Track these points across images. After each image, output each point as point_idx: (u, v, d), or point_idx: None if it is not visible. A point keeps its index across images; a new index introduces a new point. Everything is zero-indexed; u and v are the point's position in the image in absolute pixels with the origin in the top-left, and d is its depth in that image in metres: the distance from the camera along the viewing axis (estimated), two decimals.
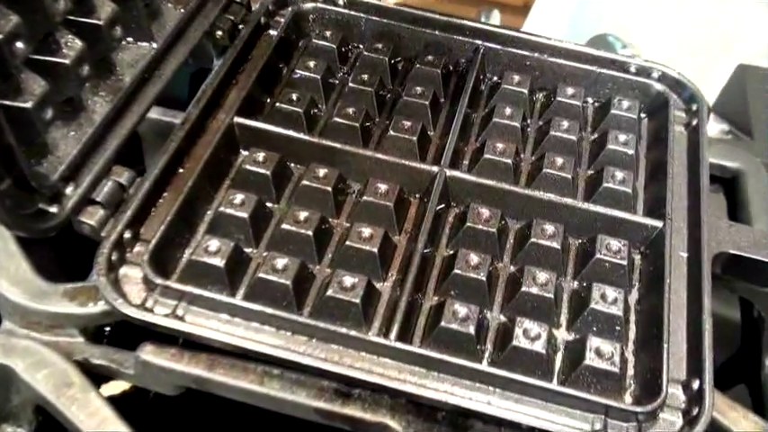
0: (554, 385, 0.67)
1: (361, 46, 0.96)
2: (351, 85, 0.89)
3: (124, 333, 0.72)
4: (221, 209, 0.75)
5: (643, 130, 0.91)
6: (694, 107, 0.90)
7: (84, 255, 0.75)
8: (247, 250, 0.74)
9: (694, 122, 0.89)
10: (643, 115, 0.92)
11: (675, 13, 1.42)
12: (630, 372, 0.70)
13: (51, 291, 0.71)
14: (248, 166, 0.78)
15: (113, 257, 0.69)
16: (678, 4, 1.42)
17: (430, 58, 0.93)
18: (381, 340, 0.66)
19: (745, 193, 0.94)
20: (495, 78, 0.94)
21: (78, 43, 0.70)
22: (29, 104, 0.64)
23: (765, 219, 0.90)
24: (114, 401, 0.68)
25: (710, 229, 0.78)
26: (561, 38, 0.97)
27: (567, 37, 1.34)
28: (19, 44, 0.63)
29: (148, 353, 0.68)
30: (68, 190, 0.70)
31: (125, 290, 0.69)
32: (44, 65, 0.67)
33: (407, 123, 0.84)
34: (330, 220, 0.77)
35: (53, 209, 0.69)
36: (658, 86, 0.92)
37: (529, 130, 0.90)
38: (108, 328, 0.75)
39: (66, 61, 0.69)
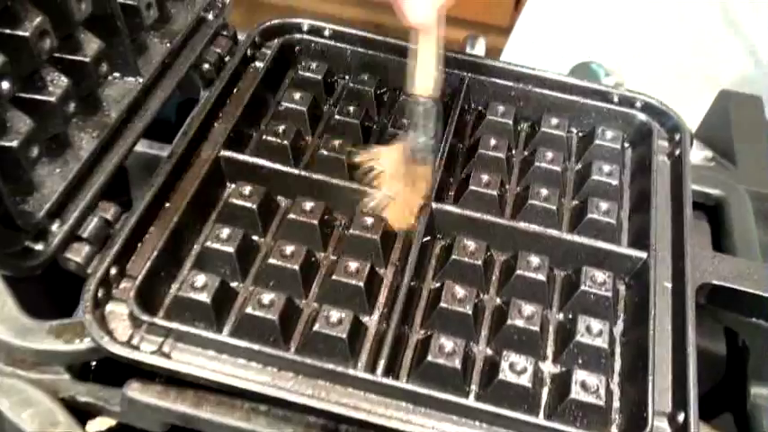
0: (540, 420, 0.67)
1: (347, 77, 0.96)
2: (337, 116, 0.89)
3: (110, 369, 0.72)
4: (207, 243, 0.75)
5: (627, 160, 0.92)
6: (677, 137, 0.91)
7: (70, 291, 0.75)
8: (234, 285, 0.74)
9: (677, 152, 0.90)
10: (627, 145, 0.93)
11: (658, 38, 1.44)
12: (616, 405, 0.70)
13: (37, 328, 0.71)
14: (234, 200, 0.79)
15: (99, 294, 0.69)
16: (660, 29, 1.43)
17: None
18: (368, 376, 0.66)
19: (729, 220, 0.94)
20: (480, 109, 0.95)
21: (64, 80, 0.70)
22: (14, 143, 0.64)
23: (749, 246, 0.91)
24: None
25: (694, 259, 0.78)
26: (542, 63, 0.98)
27: (549, 62, 1.35)
28: (5, 83, 0.63)
29: (135, 390, 0.67)
30: (54, 227, 0.70)
31: (111, 327, 0.69)
32: (30, 103, 0.67)
33: None
34: (317, 253, 0.78)
35: (39, 246, 0.69)
36: (641, 116, 0.93)
37: (514, 160, 0.90)
38: (94, 364, 0.75)
39: (53, 99, 0.69)
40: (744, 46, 1.38)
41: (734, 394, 0.84)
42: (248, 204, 0.78)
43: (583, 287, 0.75)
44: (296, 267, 0.73)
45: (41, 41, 0.67)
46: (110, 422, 0.75)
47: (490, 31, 2.78)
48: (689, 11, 1.36)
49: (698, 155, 1.12)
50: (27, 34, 0.65)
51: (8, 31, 0.65)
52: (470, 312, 0.72)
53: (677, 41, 1.42)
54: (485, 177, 0.84)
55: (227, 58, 0.94)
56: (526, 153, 0.91)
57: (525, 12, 1.51)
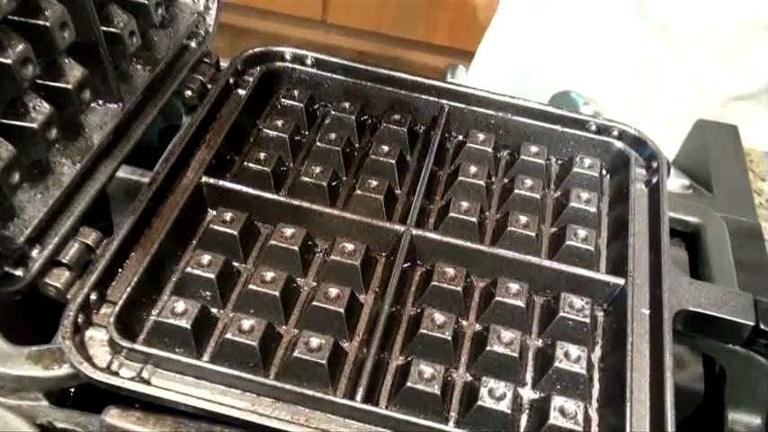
0: None
1: (329, 105, 0.97)
2: (318, 144, 0.90)
3: (89, 395, 0.72)
4: (188, 269, 0.75)
5: (605, 188, 0.93)
6: (654, 165, 0.92)
7: (47, 316, 0.75)
8: (214, 311, 0.75)
9: (655, 180, 0.91)
10: (605, 173, 0.94)
11: (631, 66, 1.45)
12: (594, 430, 0.71)
13: (15, 354, 0.70)
14: (216, 226, 0.79)
15: (79, 320, 0.69)
16: (633, 57, 1.45)
17: (396, 116, 0.94)
18: (347, 402, 0.67)
19: (706, 247, 0.95)
20: (461, 137, 0.96)
21: (47, 107, 0.70)
22: None
23: (725, 273, 0.92)
24: None
25: (671, 286, 0.79)
26: (505, 88, 0.99)
27: (513, 87, 1.36)
28: None
29: (113, 416, 0.67)
30: (34, 252, 0.70)
31: (90, 353, 0.68)
32: (12, 129, 0.68)
33: (374, 182, 0.85)
34: (297, 279, 0.78)
35: (18, 272, 0.69)
36: (619, 144, 0.94)
37: (493, 187, 0.91)
38: (73, 390, 0.74)
39: (35, 125, 0.69)
40: (687, 75, 1.40)
41: (711, 421, 0.84)
42: (229, 230, 0.79)
43: (561, 313, 0.76)
44: (276, 293, 0.74)
45: (24, 68, 0.67)
46: None
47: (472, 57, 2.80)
48: (635, 37, 1.37)
49: (675, 183, 1.13)
50: (9, 62, 0.65)
51: None
52: (450, 338, 0.73)
53: (652, 70, 1.44)
54: (465, 204, 0.85)
55: (209, 86, 0.94)
56: (506, 180, 0.92)
57: (487, 37, 1.53)
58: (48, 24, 0.70)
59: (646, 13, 1.32)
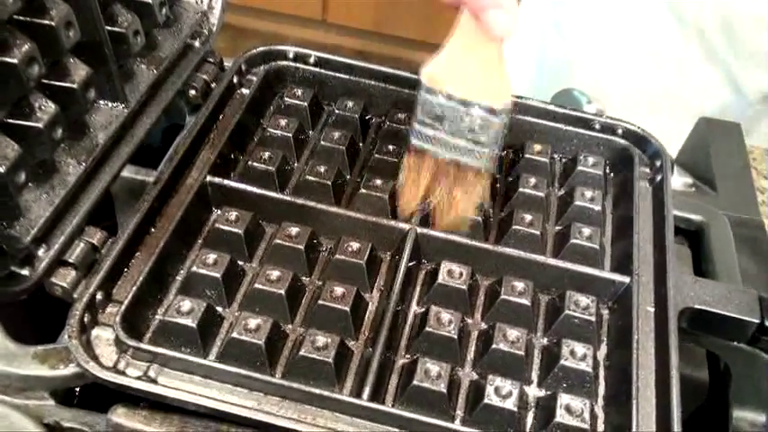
0: None
1: (333, 104, 0.97)
2: (322, 143, 0.90)
3: (95, 394, 0.72)
4: (194, 268, 0.75)
5: (609, 186, 0.93)
6: (658, 163, 0.92)
7: (50, 315, 0.75)
8: (220, 310, 0.75)
9: (658, 178, 0.91)
10: (609, 171, 0.94)
11: (637, 65, 1.46)
12: (600, 428, 0.71)
13: (21, 353, 0.71)
14: (221, 226, 0.79)
15: (85, 319, 0.69)
16: (639, 57, 1.45)
17: (400, 115, 0.94)
18: (354, 400, 0.67)
19: (710, 245, 0.96)
20: None
21: (52, 107, 0.70)
22: (2, 169, 0.64)
23: (729, 271, 0.92)
24: None
25: (676, 284, 0.79)
26: (527, 89, 0.99)
27: (534, 88, 1.36)
28: None
29: (120, 415, 0.67)
30: (40, 252, 0.70)
31: (97, 352, 0.69)
32: (17, 129, 0.68)
33: (378, 181, 0.85)
34: (302, 278, 0.78)
35: (25, 271, 0.69)
36: (622, 143, 0.94)
37: (498, 186, 0.91)
38: (78, 390, 0.74)
39: (40, 125, 0.69)
40: (723, 75, 1.40)
41: (716, 418, 0.84)
42: (235, 230, 0.79)
43: (567, 311, 0.76)
44: (282, 292, 0.74)
45: (30, 68, 0.67)
46: None
47: None
48: (668, 39, 1.38)
49: (678, 181, 1.13)
50: (15, 61, 0.65)
51: None
52: (456, 336, 0.73)
53: (657, 69, 1.44)
54: None
55: (213, 85, 0.94)
56: (510, 179, 0.92)
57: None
58: (53, 24, 0.70)
59: (682, 17, 1.33)
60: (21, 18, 0.68)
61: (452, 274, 0.78)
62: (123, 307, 0.70)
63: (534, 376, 0.74)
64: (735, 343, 0.81)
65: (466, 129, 0.75)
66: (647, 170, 0.93)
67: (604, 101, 1.06)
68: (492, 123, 0.76)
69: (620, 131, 0.94)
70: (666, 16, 1.35)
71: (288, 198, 0.83)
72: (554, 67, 1.49)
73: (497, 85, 0.76)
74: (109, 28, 0.79)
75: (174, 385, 0.67)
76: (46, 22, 0.70)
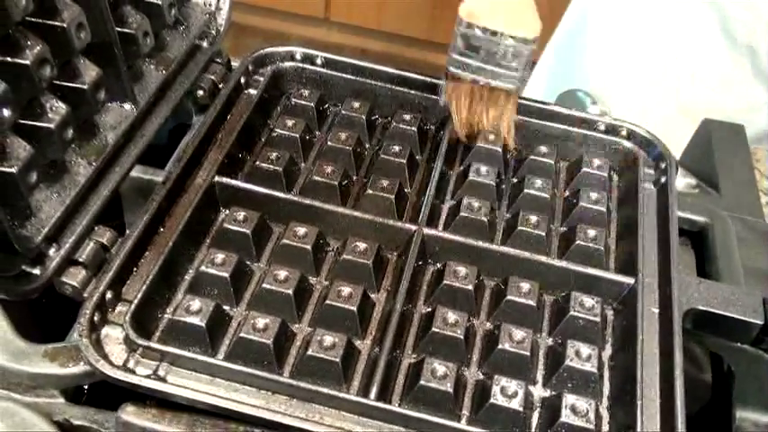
0: None
1: (339, 104, 0.98)
2: (329, 143, 0.91)
3: (103, 393, 0.73)
4: (202, 268, 0.76)
5: (614, 188, 0.93)
6: (663, 165, 0.93)
7: (58, 314, 0.76)
8: (228, 309, 0.75)
9: (663, 180, 0.92)
10: (613, 173, 0.95)
11: (641, 66, 1.46)
12: (605, 428, 0.71)
13: (32, 351, 0.71)
14: (229, 226, 0.80)
15: (95, 318, 0.70)
16: (643, 58, 1.46)
17: (406, 116, 0.95)
18: (361, 399, 0.67)
19: (713, 246, 0.96)
20: None
21: (63, 107, 0.71)
22: (14, 169, 0.65)
23: (733, 272, 0.92)
24: None
25: (681, 285, 0.80)
26: (541, 92, 1.00)
27: (546, 91, 1.37)
28: (5, 111, 0.64)
29: (129, 414, 0.68)
30: (51, 251, 0.71)
31: (107, 350, 0.69)
32: (29, 129, 0.69)
33: (385, 182, 0.86)
34: (310, 278, 0.79)
35: (36, 270, 0.70)
36: (627, 144, 0.95)
37: (503, 187, 0.92)
38: (87, 388, 0.75)
39: (51, 125, 0.70)
40: (725, 77, 1.41)
41: (720, 419, 0.85)
42: (242, 229, 0.79)
43: (572, 312, 0.77)
44: (290, 292, 0.74)
45: (41, 69, 0.68)
46: None
47: None
48: (718, 57, 1.40)
49: (682, 182, 1.13)
50: (28, 62, 0.66)
51: (9, 59, 0.66)
52: (462, 336, 0.73)
53: (663, 71, 1.44)
54: (475, 204, 0.85)
55: (220, 85, 0.95)
56: (515, 180, 0.93)
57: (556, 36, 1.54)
58: (64, 25, 0.70)
59: (733, 36, 1.35)
60: (33, 20, 0.69)
61: (458, 274, 0.78)
62: (133, 306, 0.70)
63: (539, 376, 0.75)
64: (738, 344, 0.82)
65: (499, 57, 0.86)
66: (652, 172, 0.93)
67: (610, 97, 1.06)
68: (523, 52, 0.85)
69: (624, 133, 0.95)
70: (717, 34, 1.37)
71: (295, 198, 0.83)
72: (562, 65, 1.50)
73: (528, 19, 0.86)
74: (119, 29, 0.79)
75: (182, 384, 0.67)
76: (57, 23, 0.70)
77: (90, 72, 0.75)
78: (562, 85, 1.22)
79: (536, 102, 0.97)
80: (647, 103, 1.38)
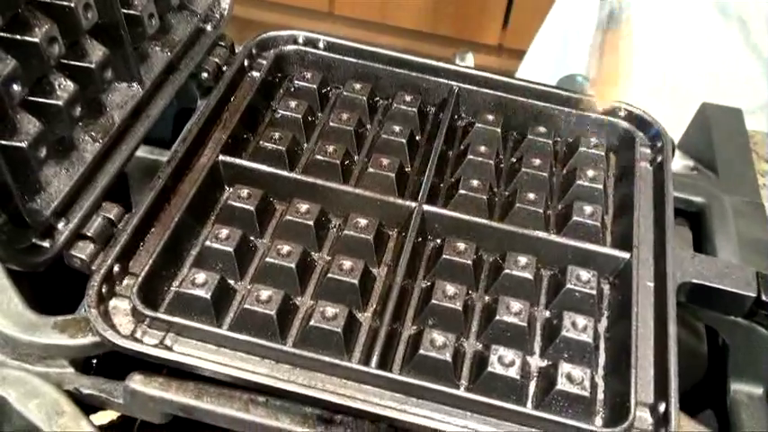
0: (528, 409, 0.70)
1: (341, 86, 1.00)
2: (331, 124, 0.93)
3: (110, 365, 0.75)
4: (207, 243, 0.77)
5: (610, 167, 0.95)
6: (659, 144, 0.94)
7: (64, 288, 0.78)
8: (232, 283, 0.77)
9: (659, 159, 0.93)
10: (610, 152, 0.96)
11: (706, 60, 1.47)
12: (600, 396, 0.73)
13: (42, 323, 0.73)
14: (233, 202, 0.81)
15: (103, 290, 0.72)
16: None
17: (407, 98, 0.97)
18: (362, 368, 0.69)
19: (710, 226, 0.98)
20: (470, 117, 0.98)
21: (71, 85, 0.73)
22: (24, 144, 0.67)
23: (729, 251, 0.94)
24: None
25: (675, 259, 0.81)
26: (553, 78, 1.02)
27: (557, 77, 1.39)
28: (15, 87, 0.66)
29: (137, 382, 0.70)
30: (60, 225, 0.73)
31: (114, 321, 0.71)
32: (39, 106, 0.71)
33: (386, 161, 0.88)
34: (312, 253, 0.80)
35: (45, 243, 0.72)
36: (624, 125, 0.97)
37: (502, 166, 0.94)
38: (95, 360, 0.77)
39: (60, 103, 0.72)
40: (724, 61, 1.42)
41: (714, 391, 0.87)
42: (246, 206, 0.81)
43: (568, 285, 0.78)
44: (292, 265, 0.76)
45: (51, 47, 0.70)
46: (111, 416, 0.77)
47: (480, 49, 2.83)
48: (711, 31, 1.41)
49: (680, 164, 1.15)
50: (37, 40, 0.68)
51: (19, 36, 0.68)
52: (461, 308, 0.75)
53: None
54: (474, 182, 0.87)
55: (224, 68, 0.97)
56: (514, 160, 0.95)
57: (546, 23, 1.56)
58: (72, 5, 0.72)
59: (726, 11, 1.36)
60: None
61: (457, 249, 0.80)
62: (140, 279, 0.72)
63: (536, 347, 0.77)
64: (732, 317, 0.84)
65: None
66: (648, 151, 0.95)
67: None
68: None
69: (621, 114, 0.97)
70: (711, 10, 1.38)
71: (298, 176, 0.85)
72: (573, 53, 1.52)
73: None
74: (125, 11, 0.81)
75: (189, 353, 0.69)
76: (65, 3, 0.72)
77: (97, 52, 0.77)
78: (556, 71, 1.24)
79: (535, 83, 0.98)
80: (644, 86, 1.39)
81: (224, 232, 0.78)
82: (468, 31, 2.91)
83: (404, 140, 0.91)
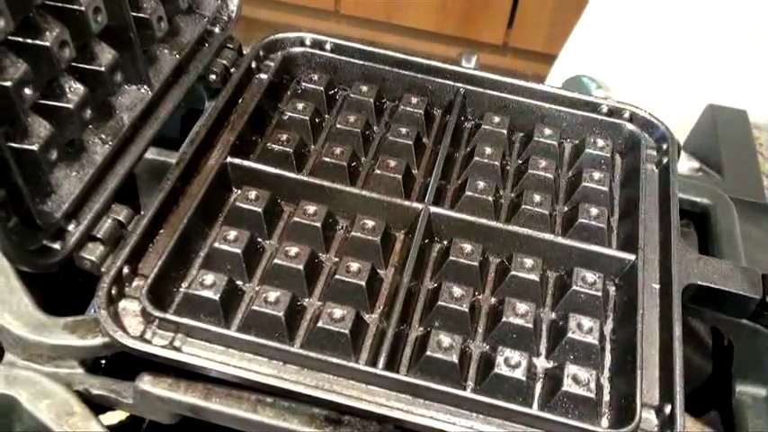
0: (534, 411, 0.70)
1: (348, 88, 1.00)
2: (338, 125, 0.93)
3: (119, 366, 0.75)
4: (215, 245, 0.78)
5: (616, 168, 0.95)
6: (665, 146, 0.95)
7: (73, 290, 0.79)
8: (241, 284, 0.78)
9: (665, 161, 0.94)
10: (616, 154, 0.97)
11: (648, 54, 1.48)
12: (606, 398, 0.74)
13: (52, 324, 0.74)
14: (241, 204, 0.82)
15: (113, 292, 0.72)
16: (651, 47, 1.48)
17: (413, 99, 0.97)
18: (370, 369, 0.70)
19: (715, 228, 0.98)
20: (476, 119, 0.99)
21: (81, 88, 0.74)
22: (35, 147, 0.68)
23: (734, 252, 0.95)
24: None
25: (680, 261, 0.82)
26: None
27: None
28: (27, 90, 0.67)
29: (146, 383, 0.71)
30: (71, 227, 0.73)
31: (124, 322, 0.72)
32: (49, 109, 0.71)
33: (392, 162, 0.88)
34: (320, 254, 0.81)
35: (56, 245, 0.72)
36: (630, 126, 0.97)
37: (508, 168, 0.94)
38: (104, 361, 0.78)
39: (70, 106, 0.72)
40: (732, 63, 1.43)
41: (720, 392, 0.87)
42: (254, 208, 0.82)
43: (574, 287, 0.79)
44: (300, 267, 0.77)
45: (61, 51, 0.70)
46: (121, 416, 0.78)
47: (484, 48, 2.84)
48: (740, 51, 1.42)
49: (686, 165, 1.16)
50: (48, 44, 0.69)
51: (30, 40, 0.68)
52: (467, 310, 0.76)
53: (669, 59, 1.46)
54: (480, 183, 0.87)
55: (232, 70, 0.97)
56: (520, 161, 0.95)
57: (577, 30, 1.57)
58: (82, 9, 0.73)
59: (756, 32, 1.37)
60: (52, 3, 0.71)
61: (464, 251, 0.81)
62: (149, 280, 0.73)
63: (542, 349, 0.77)
64: (737, 319, 0.84)
65: None
66: (654, 153, 0.95)
67: (617, 84, 1.08)
68: None
69: (626, 115, 0.97)
70: (743, 30, 1.39)
71: (305, 178, 0.86)
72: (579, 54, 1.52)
73: None
74: (134, 14, 0.82)
75: (197, 354, 0.70)
76: (75, 6, 0.73)
77: (107, 55, 0.78)
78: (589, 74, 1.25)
79: (541, 85, 0.99)
80: (655, 89, 1.40)
81: (232, 234, 0.78)
82: (473, 31, 2.92)
83: (410, 142, 0.91)
